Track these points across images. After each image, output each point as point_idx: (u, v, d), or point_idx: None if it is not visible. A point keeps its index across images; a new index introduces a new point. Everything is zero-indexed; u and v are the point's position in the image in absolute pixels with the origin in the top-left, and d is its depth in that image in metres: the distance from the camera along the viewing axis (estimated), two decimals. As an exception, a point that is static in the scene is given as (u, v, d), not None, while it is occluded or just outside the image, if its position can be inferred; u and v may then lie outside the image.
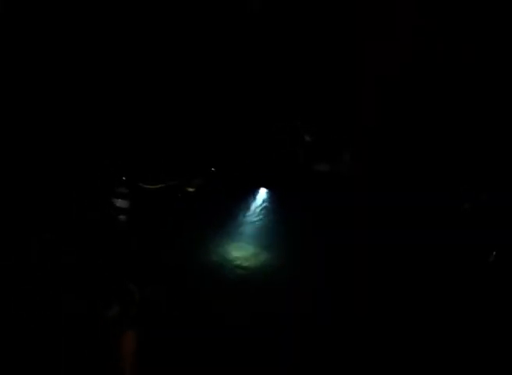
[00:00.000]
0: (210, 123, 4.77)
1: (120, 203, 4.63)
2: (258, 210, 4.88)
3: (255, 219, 4.84)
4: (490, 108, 4.51)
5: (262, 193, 4.88)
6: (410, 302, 4.35)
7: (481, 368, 4.08)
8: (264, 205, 4.87)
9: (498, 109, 4.50)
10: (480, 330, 4.19)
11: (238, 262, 4.70)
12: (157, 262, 4.57)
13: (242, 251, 4.76)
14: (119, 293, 4.31)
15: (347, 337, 4.29)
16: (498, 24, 4.48)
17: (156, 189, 4.71)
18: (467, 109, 4.55)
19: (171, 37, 4.69)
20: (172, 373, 4.23)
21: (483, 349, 4.12)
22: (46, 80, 4.61)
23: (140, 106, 4.70)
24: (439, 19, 4.55)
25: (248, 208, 4.89)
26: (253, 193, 4.88)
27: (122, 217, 4.65)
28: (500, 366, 4.06)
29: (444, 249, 4.36)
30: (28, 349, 4.02)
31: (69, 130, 4.65)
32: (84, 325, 4.14)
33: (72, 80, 4.63)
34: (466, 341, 4.18)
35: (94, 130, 4.69)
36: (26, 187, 4.50)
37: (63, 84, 4.63)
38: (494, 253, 4.32)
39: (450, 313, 4.27)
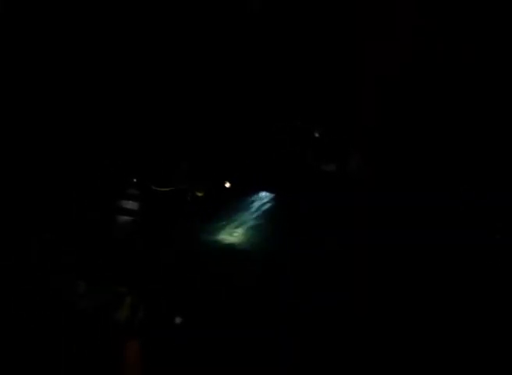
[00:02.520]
0: (212, 123, 4.79)
1: (124, 204, 4.65)
2: (258, 210, 4.88)
3: (254, 219, 4.85)
4: (490, 108, 4.51)
5: (261, 193, 4.89)
6: (410, 302, 4.35)
7: (482, 368, 4.08)
8: (264, 205, 4.88)
9: (498, 109, 4.50)
10: (480, 330, 4.19)
11: (238, 262, 4.70)
12: (158, 262, 4.57)
13: (242, 251, 4.76)
14: (123, 296, 4.31)
15: (347, 337, 4.30)
16: (498, 24, 4.48)
17: (165, 191, 4.74)
18: (467, 109, 4.54)
19: (172, 39, 4.70)
20: (172, 373, 4.23)
21: (483, 349, 4.12)
22: (47, 80, 4.61)
23: (147, 108, 4.72)
24: (439, 19, 4.56)
25: (248, 208, 4.89)
26: (252, 193, 4.89)
27: (125, 218, 4.66)
28: (500, 366, 4.06)
29: (444, 249, 4.36)
30: (28, 352, 4.02)
31: (70, 130, 4.66)
32: (87, 328, 4.14)
33: (76, 81, 4.64)
34: (466, 341, 4.18)
35: (95, 131, 4.69)
36: (27, 188, 4.50)
37: (65, 84, 4.64)
38: (495, 252, 4.33)
39: (450, 313, 4.27)
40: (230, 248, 4.73)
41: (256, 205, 4.89)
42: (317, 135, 4.83)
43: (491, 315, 4.21)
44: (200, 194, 4.76)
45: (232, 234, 4.79)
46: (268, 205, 4.87)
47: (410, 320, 4.30)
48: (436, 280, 4.37)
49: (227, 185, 4.80)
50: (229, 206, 4.83)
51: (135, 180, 4.67)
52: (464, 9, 4.52)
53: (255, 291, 4.55)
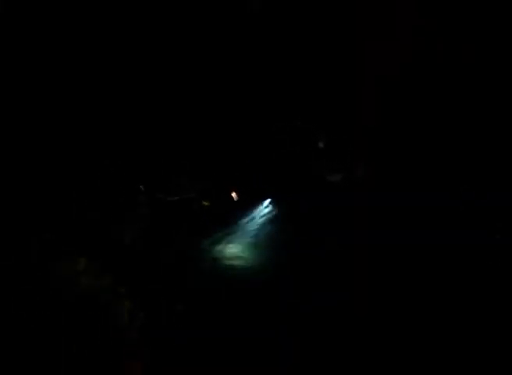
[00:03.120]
0: (213, 123, 4.79)
1: (127, 207, 4.65)
2: (259, 211, 4.88)
3: (255, 220, 4.84)
4: (490, 108, 4.51)
5: (264, 202, 4.88)
6: (410, 302, 4.35)
7: (482, 368, 4.08)
8: (265, 205, 4.87)
9: (498, 109, 4.50)
10: (480, 330, 4.19)
11: (238, 263, 4.70)
12: (158, 265, 4.57)
13: (241, 251, 4.76)
14: (122, 300, 4.30)
15: (347, 337, 4.29)
16: (498, 24, 4.48)
17: (172, 200, 4.73)
18: (467, 109, 4.55)
19: (172, 42, 4.70)
20: (172, 374, 4.23)
21: (483, 349, 4.12)
22: (49, 80, 4.62)
23: (148, 112, 4.73)
24: (439, 19, 4.56)
25: (249, 208, 4.89)
26: (255, 202, 4.88)
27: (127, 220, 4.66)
28: (500, 366, 4.06)
29: (444, 249, 4.36)
30: (27, 353, 4.01)
31: (70, 130, 4.66)
32: (87, 330, 4.13)
33: (78, 83, 4.64)
34: (466, 341, 4.18)
35: (96, 131, 4.69)
36: (26, 187, 4.50)
37: (67, 86, 4.64)
38: (495, 252, 4.33)
39: (450, 313, 4.27)
40: (232, 256, 4.73)
41: (259, 213, 4.88)
42: (317, 135, 4.83)
43: (491, 315, 4.20)
44: (206, 203, 4.75)
45: (235, 243, 4.79)
46: (271, 214, 4.86)
47: (410, 320, 4.29)
48: (436, 280, 4.37)
49: (234, 195, 4.80)
50: (232, 215, 4.82)
51: (140, 185, 4.67)
52: (464, 9, 4.52)
53: (255, 291, 4.54)
